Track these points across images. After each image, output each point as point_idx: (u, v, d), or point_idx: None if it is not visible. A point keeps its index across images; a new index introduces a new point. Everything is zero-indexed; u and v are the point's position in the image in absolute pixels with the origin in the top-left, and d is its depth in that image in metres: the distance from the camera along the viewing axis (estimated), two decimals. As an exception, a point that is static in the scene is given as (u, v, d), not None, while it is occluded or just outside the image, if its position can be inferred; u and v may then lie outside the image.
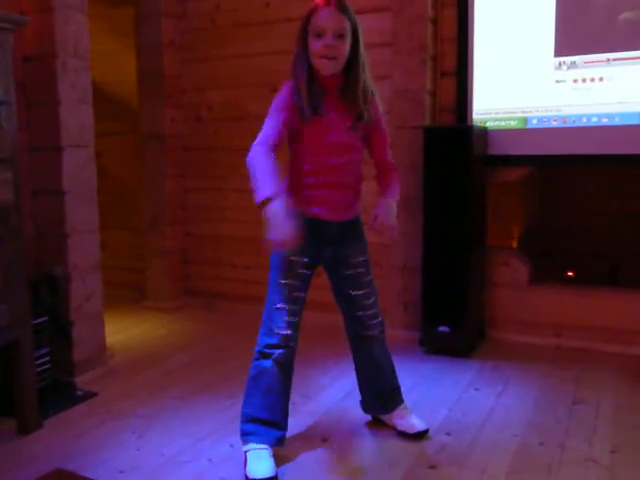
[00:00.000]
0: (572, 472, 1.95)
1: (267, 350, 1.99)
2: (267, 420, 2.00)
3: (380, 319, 2.19)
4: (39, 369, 2.49)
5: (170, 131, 3.97)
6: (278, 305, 1.98)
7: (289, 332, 1.98)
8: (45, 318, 2.58)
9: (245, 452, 1.99)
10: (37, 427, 2.31)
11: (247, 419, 2.02)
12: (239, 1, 3.78)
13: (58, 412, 2.46)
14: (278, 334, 1.97)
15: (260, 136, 1.89)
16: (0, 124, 2.13)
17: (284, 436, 2.05)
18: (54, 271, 2.69)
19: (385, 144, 2.12)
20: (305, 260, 2.00)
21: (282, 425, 2.04)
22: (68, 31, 2.68)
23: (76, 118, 2.72)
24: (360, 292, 2.11)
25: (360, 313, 2.14)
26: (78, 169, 2.74)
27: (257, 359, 2.02)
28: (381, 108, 2.08)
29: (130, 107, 4.22)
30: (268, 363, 1.99)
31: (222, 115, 3.92)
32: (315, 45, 1.87)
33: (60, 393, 2.63)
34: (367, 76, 1.97)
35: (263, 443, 1.98)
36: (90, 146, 2.80)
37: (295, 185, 2.01)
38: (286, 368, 2.02)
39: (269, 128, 1.88)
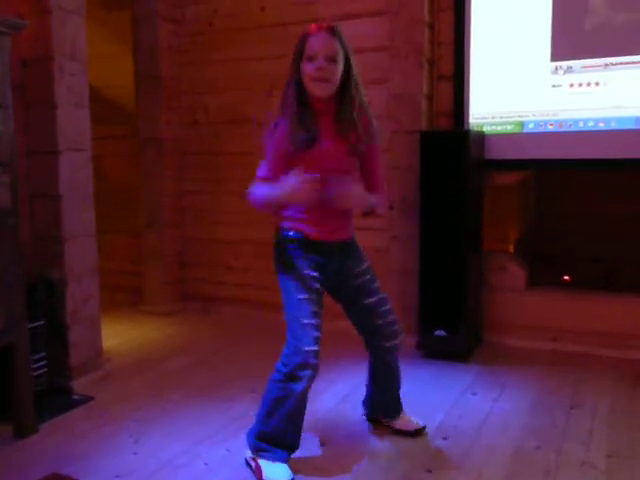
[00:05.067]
0: (569, 476, 1.96)
1: (298, 372, 1.90)
2: (284, 443, 1.97)
3: (399, 326, 2.18)
4: (35, 373, 2.49)
5: (167, 134, 3.97)
6: (304, 321, 1.92)
7: (316, 348, 1.92)
8: (42, 322, 2.58)
9: (253, 459, 1.99)
10: (33, 431, 2.30)
11: (263, 438, 1.98)
12: (236, 5, 3.79)
13: (54, 416, 2.45)
14: (306, 351, 1.90)
15: (257, 180, 1.98)
16: (-3, 127, 2.13)
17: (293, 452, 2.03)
18: (51, 275, 2.68)
19: (378, 165, 2.11)
20: (315, 275, 1.99)
21: (297, 446, 2.01)
22: (65, 34, 2.68)
23: (73, 121, 2.72)
24: (373, 299, 2.11)
25: (379, 321, 2.12)
26: (75, 172, 2.73)
27: (283, 380, 1.93)
28: (375, 126, 2.06)
29: (128, 110, 4.22)
30: (298, 387, 1.91)
31: (219, 118, 3.92)
32: (307, 68, 1.89)
33: (56, 397, 2.62)
34: (362, 99, 1.98)
35: (276, 461, 1.95)
36: (87, 149, 2.80)
37: (290, 209, 2.02)
38: (309, 391, 1.97)
39: (265, 172, 1.97)
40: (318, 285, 2.00)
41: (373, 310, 2.11)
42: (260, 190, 1.96)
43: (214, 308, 4.02)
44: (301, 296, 1.95)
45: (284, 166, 1.91)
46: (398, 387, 2.29)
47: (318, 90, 1.91)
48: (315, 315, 1.95)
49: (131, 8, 3.94)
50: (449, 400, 2.56)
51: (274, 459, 1.95)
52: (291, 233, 2.01)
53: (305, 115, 1.91)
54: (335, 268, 2.05)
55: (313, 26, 1.92)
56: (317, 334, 1.93)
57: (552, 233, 3.66)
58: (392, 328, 2.15)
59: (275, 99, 3.60)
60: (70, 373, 2.72)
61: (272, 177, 1.93)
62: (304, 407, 1.99)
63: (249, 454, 2.02)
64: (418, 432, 2.24)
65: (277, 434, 1.96)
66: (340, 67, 1.91)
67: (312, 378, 1.92)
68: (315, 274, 2.00)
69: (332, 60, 1.89)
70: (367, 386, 2.32)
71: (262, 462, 1.96)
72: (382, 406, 2.30)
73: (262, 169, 1.99)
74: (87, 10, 2.80)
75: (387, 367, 2.22)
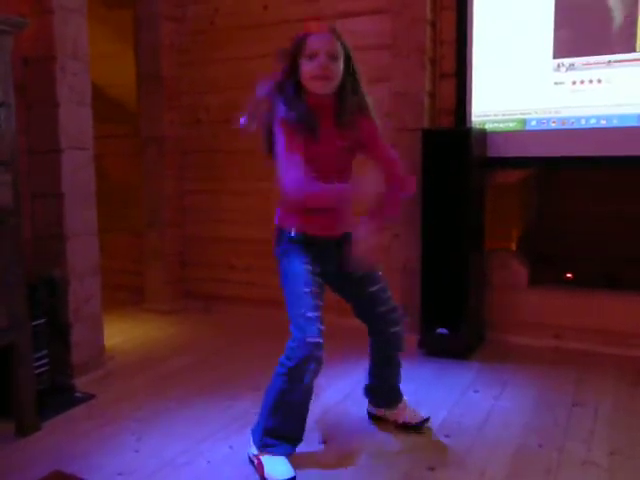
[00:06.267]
0: (571, 474, 1.95)
1: (303, 365, 1.90)
2: (291, 436, 1.99)
3: (400, 311, 2.20)
4: (38, 371, 2.49)
5: (169, 133, 3.98)
6: (309, 314, 1.92)
7: (321, 340, 1.93)
8: (43, 320, 2.58)
9: (256, 456, 1.99)
10: (35, 429, 2.30)
11: (269, 433, 1.97)
12: (237, 4, 3.78)
13: (57, 414, 2.45)
14: (311, 343, 1.90)
15: (290, 167, 1.85)
16: (-1, 126, 2.13)
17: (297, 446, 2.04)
18: (53, 273, 2.69)
19: (386, 155, 2.06)
20: (318, 268, 2.01)
21: (301, 439, 2.03)
22: (67, 33, 2.68)
23: (75, 120, 2.72)
24: (377, 287, 2.13)
25: (382, 309, 2.14)
26: (77, 171, 2.74)
27: (288, 374, 1.92)
28: (378, 124, 2.04)
29: (130, 109, 4.22)
30: (304, 380, 1.92)
31: (220, 117, 3.92)
32: (308, 66, 1.89)
33: (59, 395, 2.62)
34: (362, 98, 1.98)
35: (280, 455, 1.96)
36: (89, 148, 2.80)
37: (289, 206, 2.02)
38: (314, 383, 1.98)
39: (293, 158, 1.86)
40: (321, 278, 2.02)
41: (377, 298, 2.13)
42: (315, 188, 1.85)
43: (216, 307, 4.02)
44: (306, 289, 1.95)
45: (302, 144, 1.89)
46: (398, 374, 2.29)
47: (319, 88, 1.90)
48: (319, 308, 1.96)
49: (132, 7, 3.94)
50: (451, 398, 2.56)
51: (279, 453, 1.96)
52: (292, 232, 2.01)
53: (303, 113, 1.89)
54: (338, 261, 2.06)
55: (311, 25, 1.91)
56: (321, 327, 1.94)
57: (554, 231, 3.65)
58: (395, 314, 2.17)
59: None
60: (72, 371, 2.73)
61: (299, 161, 1.86)
62: (309, 399, 2.00)
63: (253, 451, 2.01)
64: (422, 423, 2.25)
65: (284, 428, 1.97)
66: (341, 65, 1.91)
67: (317, 370, 1.93)
68: (318, 267, 2.01)
69: (334, 58, 1.89)
70: (368, 374, 2.33)
71: (264, 459, 1.96)
72: (386, 394, 2.31)
73: (290, 153, 1.86)
74: (88, 8, 2.80)
75: (389, 356, 2.24)
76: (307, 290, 1.96)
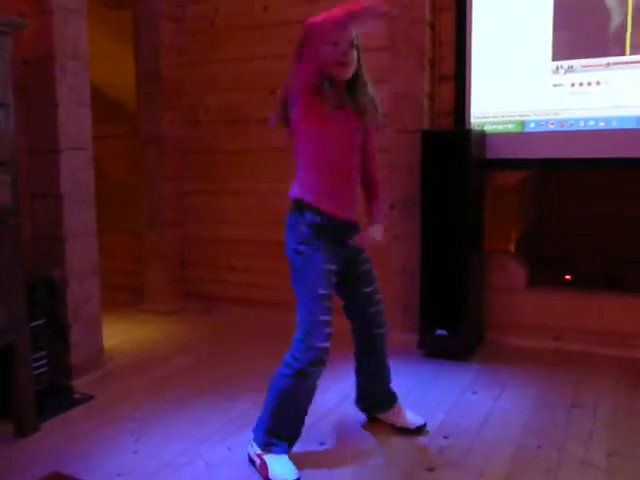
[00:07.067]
0: (569, 475, 1.95)
1: (310, 368, 1.93)
2: (292, 435, 2.02)
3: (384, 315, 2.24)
4: (37, 372, 2.48)
5: (169, 134, 3.98)
6: (322, 318, 1.94)
7: (328, 345, 1.94)
8: (42, 321, 2.58)
9: (259, 455, 1.99)
10: (34, 430, 2.30)
11: (273, 433, 1.99)
12: (237, 4, 3.79)
13: (55, 415, 2.45)
14: (320, 348, 1.92)
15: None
16: (-1, 126, 2.13)
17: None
18: (52, 274, 2.69)
19: (374, 158, 2.18)
20: (334, 268, 2.01)
21: (299, 436, 2.06)
22: (67, 34, 2.68)
23: (74, 120, 2.72)
24: (371, 288, 2.16)
25: (373, 310, 2.17)
26: (76, 171, 2.74)
27: (294, 376, 1.94)
28: (380, 118, 2.12)
29: (129, 110, 4.22)
30: (308, 383, 1.96)
31: (220, 118, 3.92)
32: (331, 52, 1.92)
33: (57, 396, 2.62)
34: (367, 84, 2.04)
35: (283, 453, 1.99)
36: (88, 148, 2.80)
37: (310, 181, 2.00)
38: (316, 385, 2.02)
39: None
40: (334, 279, 2.03)
41: (369, 299, 2.16)
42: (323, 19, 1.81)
43: (215, 308, 4.01)
44: (322, 292, 1.95)
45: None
46: (388, 377, 2.30)
47: (342, 73, 1.96)
48: (330, 311, 1.97)
49: (132, 7, 3.94)
50: (450, 399, 2.56)
51: (281, 451, 1.98)
52: (317, 217, 1.97)
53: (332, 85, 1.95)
54: (347, 256, 2.08)
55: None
56: (330, 331, 1.96)
57: (552, 233, 3.66)
58: (382, 316, 2.21)
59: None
60: (71, 372, 2.73)
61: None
62: (312, 399, 2.03)
63: (256, 450, 2.01)
64: (419, 429, 2.25)
65: (287, 428, 1.99)
66: (355, 52, 1.97)
67: (321, 373, 1.97)
68: (334, 267, 2.01)
69: (352, 45, 1.95)
70: (356, 380, 2.33)
71: (268, 458, 1.96)
72: (375, 398, 2.31)
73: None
74: (88, 8, 2.80)
75: (377, 357, 2.25)
76: (323, 293, 1.96)
